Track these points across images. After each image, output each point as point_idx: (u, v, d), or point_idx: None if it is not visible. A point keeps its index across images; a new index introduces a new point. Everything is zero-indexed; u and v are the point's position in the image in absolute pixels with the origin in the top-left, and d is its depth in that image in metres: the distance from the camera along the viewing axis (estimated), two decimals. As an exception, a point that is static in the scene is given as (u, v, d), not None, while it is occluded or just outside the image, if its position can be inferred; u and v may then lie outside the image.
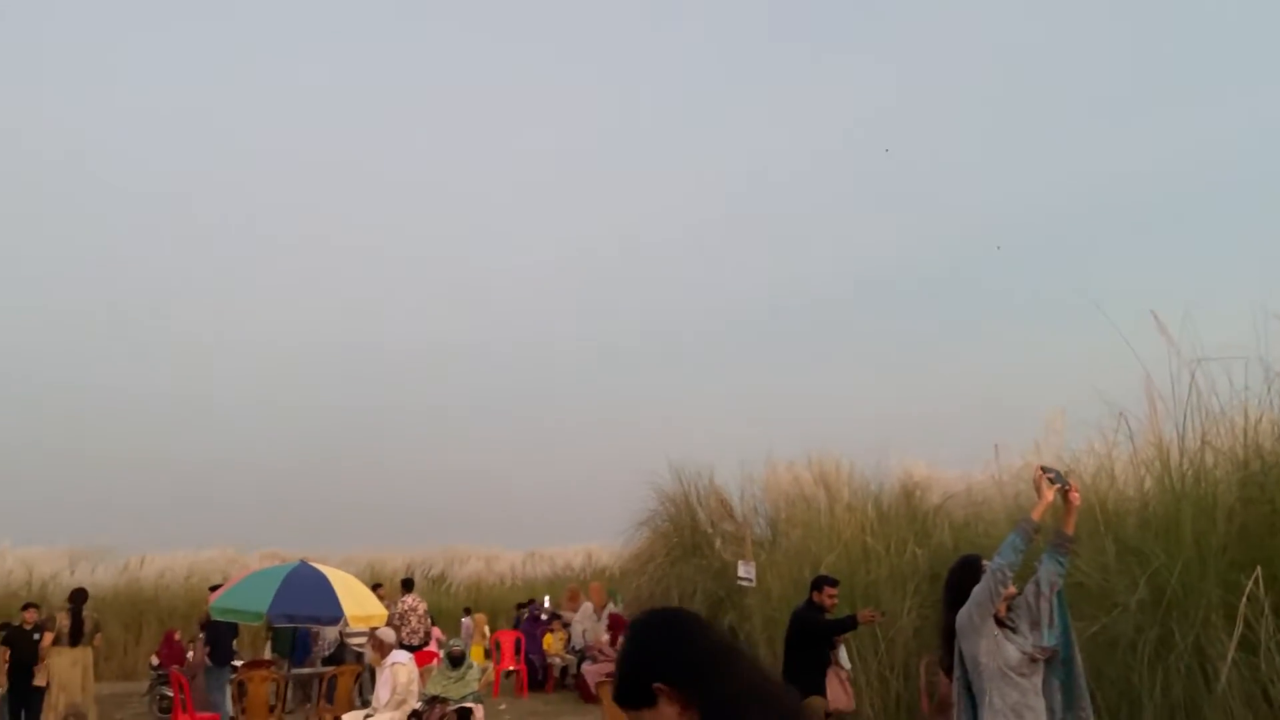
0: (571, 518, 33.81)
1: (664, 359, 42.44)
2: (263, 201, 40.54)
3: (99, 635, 10.59)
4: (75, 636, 9.95)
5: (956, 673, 4.08)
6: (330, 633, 13.03)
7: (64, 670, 9.73)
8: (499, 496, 35.56)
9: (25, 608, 12.47)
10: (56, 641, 9.91)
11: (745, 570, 9.83)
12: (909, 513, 10.56)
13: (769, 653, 9.34)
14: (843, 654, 7.48)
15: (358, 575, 12.59)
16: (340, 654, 13.55)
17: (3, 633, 12.54)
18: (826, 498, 12.23)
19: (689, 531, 14.35)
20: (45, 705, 9.70)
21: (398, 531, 31.75)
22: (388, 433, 38.39)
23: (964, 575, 4.21)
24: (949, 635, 4.13)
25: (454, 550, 29.15)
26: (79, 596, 10.34)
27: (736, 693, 1.82)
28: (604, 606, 14.38)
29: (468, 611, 18.51)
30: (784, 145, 40.82)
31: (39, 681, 9.67)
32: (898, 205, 37.68)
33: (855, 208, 39.15)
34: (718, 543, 13.92)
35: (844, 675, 7.32)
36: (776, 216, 40.09)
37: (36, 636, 11.88)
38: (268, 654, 13.11)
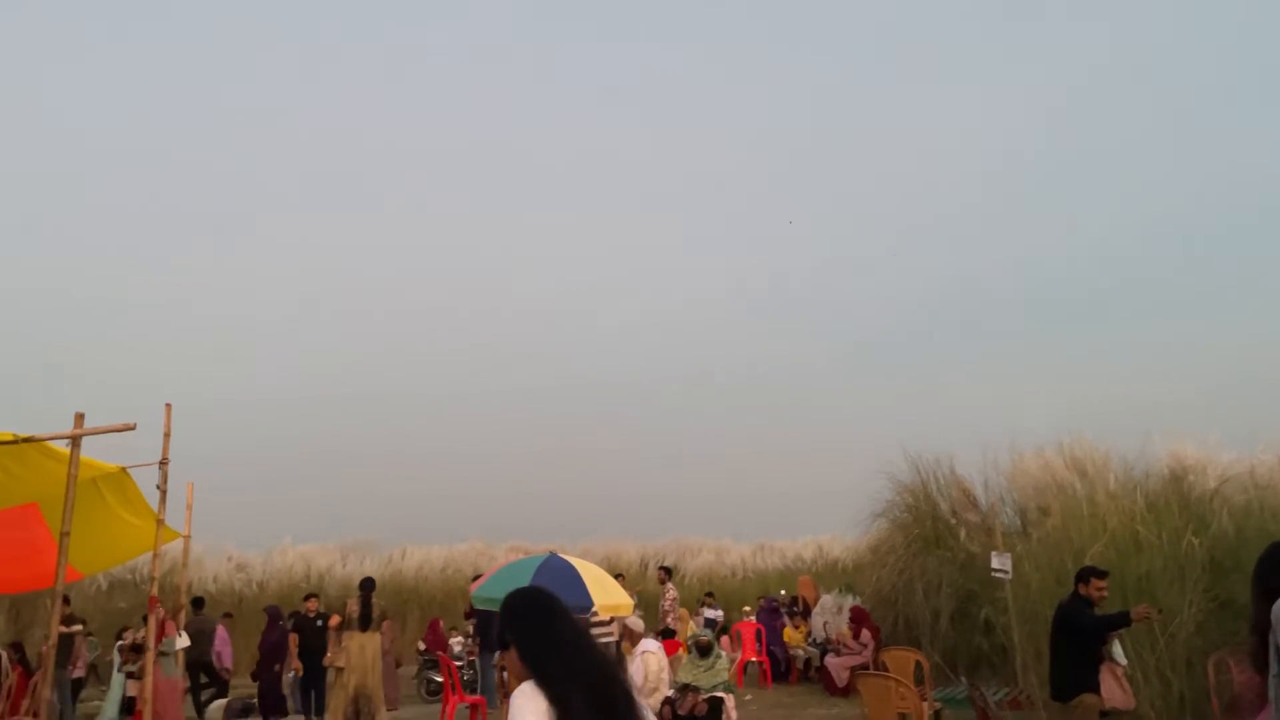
0: (801, 510, 33.44)
1: (896, 348, 41.25)
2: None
3: (387, 621, 11.53)
4: (365, 622, 10.89)
5: (1273, 669, 3.74)
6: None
7: (354, 653, 10.66)
8: (728, 489, 35.80)
9: (307, 598, 13.80)
10: (347, 626, 10.87)
11: (999, 562, 9.40)
12: (1180, 499, 9.76)
13: (1029, 648, 8.90)
14: (1117, 649, 7.01)
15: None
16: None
17: (291, 621, 13.94)
18: (1082, 485, 11.51)
19: (930, 522, 13.89)
20: (335, 685, 10.66)
21: (631, 523, 32.57)
22: (619, 425, 39.53)
23: (1274, 563, 3.85)
24: (1262, 629, 3.79)
25: (685, 542, 29.54)
26: (368, 585, 11.30)
27: (547, 662, 2.64)
28: (817, 600, 14.24)
29: (710, 595, 18.70)
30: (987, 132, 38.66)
31: (339, 663, 10.65)
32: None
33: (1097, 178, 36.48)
34: (962, 534, 13.40)
35: (1119, 672, 6.86)
36: (1020, 195, 38.01)
37: (320, 624, 13.14)
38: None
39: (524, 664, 2.76)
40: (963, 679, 7.75)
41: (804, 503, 33.74)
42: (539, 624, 2.82)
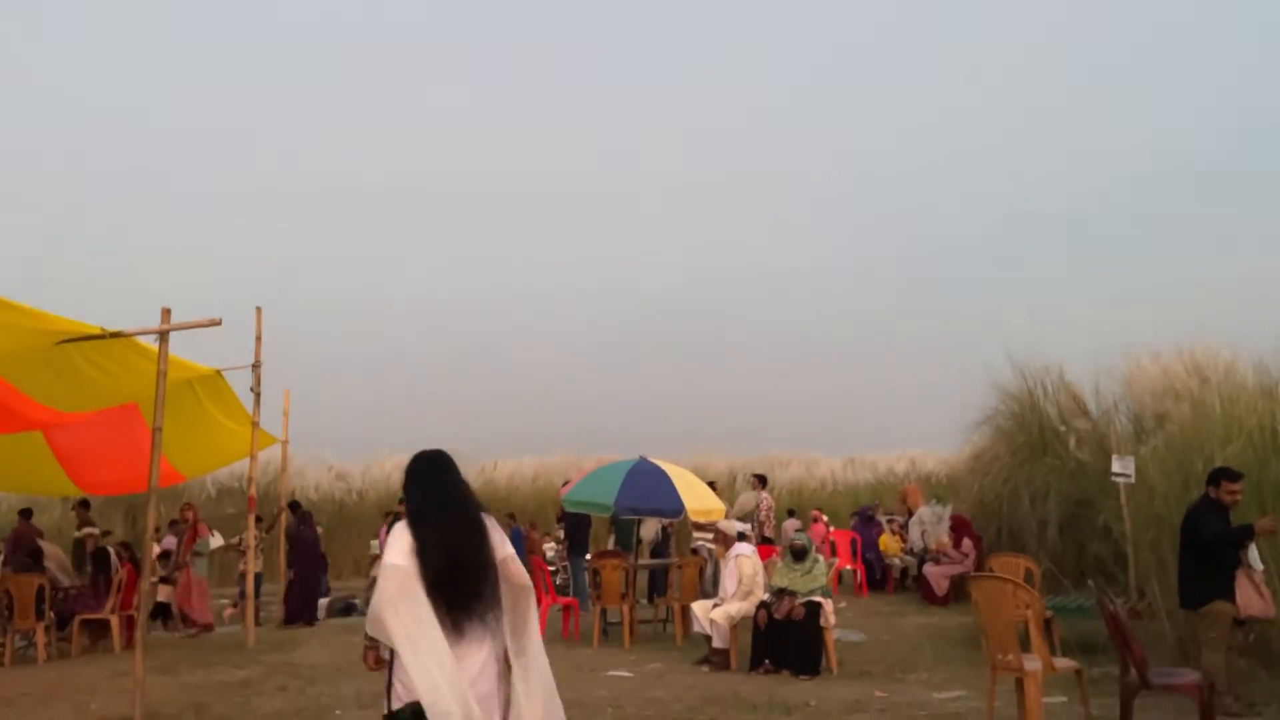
0: (891, 423, 32.78)
1: (990, 254, 39.65)
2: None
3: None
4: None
5: None
6: (651, 527, 13.51)
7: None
8: (818, 402, 35.29)
9: (402, 502, 14.04)
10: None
11: (1120, 465, 8.84)
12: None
13: (1152, 556, 8.38)
14: (1253, 554, 6.48)
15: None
16: (663, 548, 14.01)
17: (390, 517, 14.17)
18: (1202, 390, 10.78)
19: (1037, 430, 13.27)
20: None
21: (719, 436, 32.43)
22: (710, 338, 39.17)
23: None
24: None
25: (774, 455, 29.29)
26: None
27: (419, 507, 3.39)
28: (918, 506, 13.83)
29: (791, 514, 18.53)
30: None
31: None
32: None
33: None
34: (1071, 441, 12.77)
35: (1258, 578, 6.35)
36: (1124, 87, 35.67)
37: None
38: (610, 546, 13.77)
39: (405, 506, 3.47)
40: (1090, 583, 7.30)
41: (896, 416, 33.05)
42: (422, 478, 3.50)
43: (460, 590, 3.25)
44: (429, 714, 3.07)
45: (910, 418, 32.32)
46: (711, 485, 13.88)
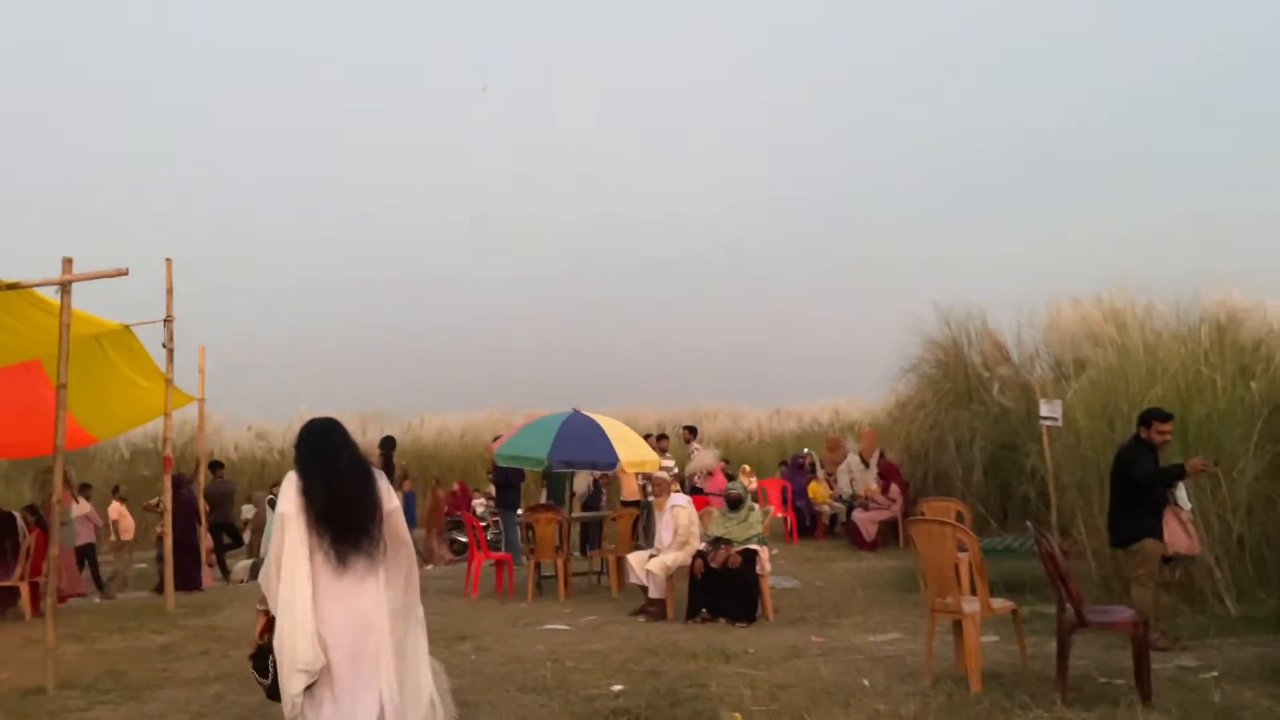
0: (814, 375, 33.20)
1: (916, 202, 40.09)
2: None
3: (408, 481, 11.29)
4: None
5: None
6: (583, 480, 13.42)
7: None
8: (742, 354, 35.50)
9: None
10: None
11: (1049, 409, 9.00)
12: (1234, 344, 9.27)
13: (1079, 497, 8.57)
14: (1181, 493, 6.64)
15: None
16: (594, 500, 13.96)
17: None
18: (1121, 337, 11.06)
19: (961, 378, 13.50)
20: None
21: (647, 390, 32.45)
22: (634, 292, 39.03)
23: None
24: None
25: (701, 408, 29.41)
26: (388, 443, 11.01)
27: (304, 463, 3.58)
28: (873, 452, 13.92)
29: (725, 462, 18.65)
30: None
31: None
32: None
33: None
34: (995, 388, 13.03)
35: (1185, 516, 6.51)
36: (1059, 37, 36.10)
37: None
38: (543, 500, 13.66)
39: (295, 464, 3.64)
40: (1027, 524, 7.43)
41: (818, 366, 33.43)
42: (311, 437, 3.69)
43: (344, 524, 3.44)
44: (278, 647, 3.33)
45: (834, 368, 32.75)
46: (663, 438, 13.90)
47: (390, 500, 3.64)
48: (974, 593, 6.04)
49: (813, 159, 42.11)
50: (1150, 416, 6.70)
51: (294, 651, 3.29)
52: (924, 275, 32.98)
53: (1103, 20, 35.96)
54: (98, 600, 11.89)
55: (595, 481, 13.98)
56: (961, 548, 5.98)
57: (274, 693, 3.44)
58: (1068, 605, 5.27)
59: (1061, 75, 37.41)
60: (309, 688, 3.34)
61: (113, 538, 13.54)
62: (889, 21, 39.73)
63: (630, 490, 12.92)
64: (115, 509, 13.53)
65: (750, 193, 42.28)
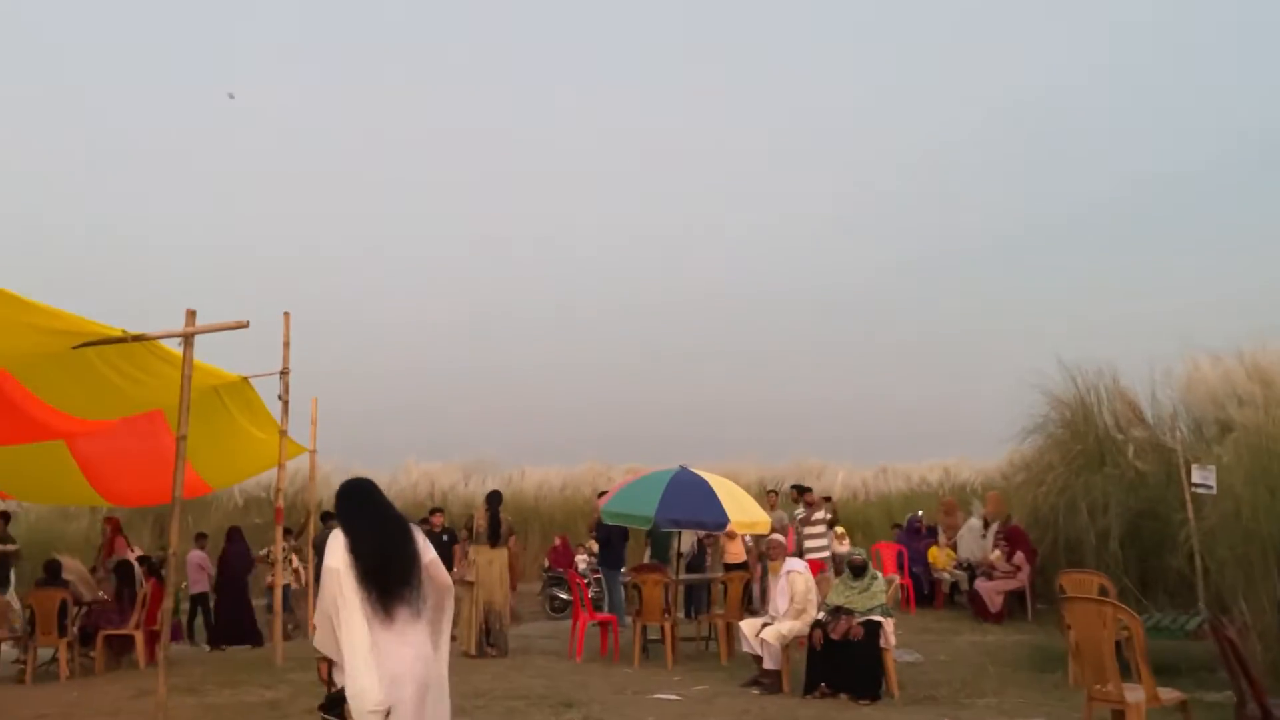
0: (922, 432, 32.11)
1: (1037, 253, 38.68)
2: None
3: (514, 537, 11.13)
4: (493, 536, 10.47)
5: None
6: (688, 540, 13.04)
7: (482, 568, 10.28)
8: (847, 411, 34.62)
9: (432, 513, 13.60)
10: (474, 540, 10.50)
11: (1201, 476, 8.33)
12: None
13: (1239, 571, 7.81)
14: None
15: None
16: (699, 562, 13.53)
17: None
18: (1263, 394, 10.26)
19: (1092, 439, 12.72)
20: (467, 601, 10.33)
21: (750, 446, 31.87)
22: (742, 347, 38.58)
23: None
24: None
25: (806, 465, 28.70)
26: (495, 498, 10.84)
27: (348, 520, 3.92)
28: (1003, 517, 13.18)
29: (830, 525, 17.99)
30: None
31: (468, 577, 10.30)
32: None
33: None
34: (1130, 450, 12.23)
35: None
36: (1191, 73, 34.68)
37: (445, 538, 12.90)
38: (646, 559, 13.32)
39: (339, 523, 3.95)
40: (1201, 607, 6.82)
41: (928, 424, 32.29)
42: (351, 498, 4.00)
43: (390, 579, 3.77)
44: (349, 693, 3.63)
45: (942, 426, 31.62)
46: (772, 494, 13.57)
47: (428, 551, 4.02)
48: (1134, 679, 5.46)
49: (926, 208, 41.29)
50: (1329, 487, 6.05)
51: (365, 696, 3.62)
52: (1040, 331, 31.70)
53: (1225, 62, 34.52)
54: (207, 650, 12.00)
55: (699, 541, 13.59)
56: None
57: None
58: (1249, 698, 4.69)
59: (1186, 115, 35.89)
60: None
61: None
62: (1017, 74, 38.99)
63: (735, 553, 12.49)
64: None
65: (857, 242, 41.64)
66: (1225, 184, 35.44)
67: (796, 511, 14.16)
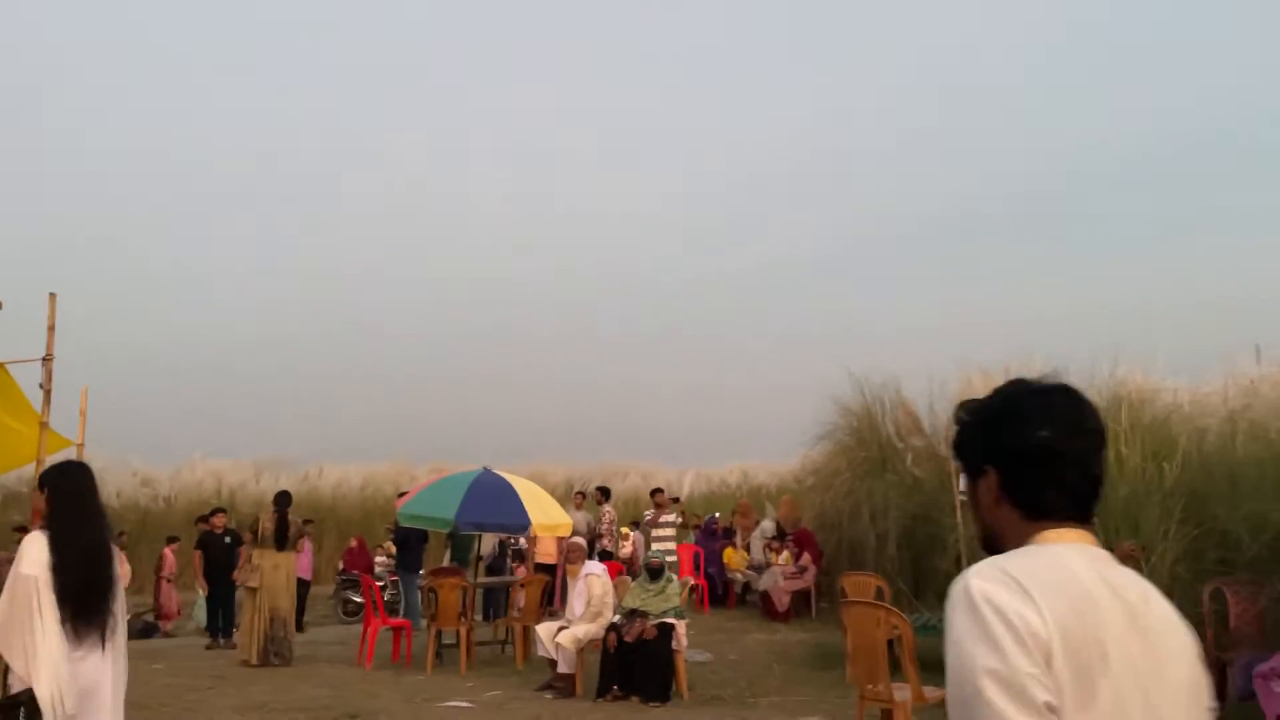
0: (725, 437, 33.19)
1: (828, 270, 40.76)
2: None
3: (304, 540, 10.60)
4: (281, 540, 9.92)
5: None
6: (489, 542, 12.93)
7: (268, 573, 9.74)
8: (653, 413, 35.32)
9: (213, 513, 12.78)
10: (260, 544, 9.93)
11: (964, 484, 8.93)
12: (1148, 426, 9.42)
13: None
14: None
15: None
16: (499, 564, 13.45)
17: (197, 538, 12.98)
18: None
19: (875, 447, 13.49)
20: (250, 608, 9.77)
21: (556, 447, 31.92)
22: (544, 348, 38.57)
23: None
24: None
25: (611, 465, 29.03)
26: (284, 499, 10.28)
27: (62, 522, 3.84)
28: (795, 521, 13.73)
29: (635, 525, 18.28)
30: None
31: (250, 583, 9.72)
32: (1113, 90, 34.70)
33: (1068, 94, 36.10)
34: (909, 458, 13.05)
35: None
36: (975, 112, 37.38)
37: (228, 540, 12.17)
38: (445, 562, 13.08)
39: (46, 515, 3.92)
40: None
41: (728, 429, 33.40)
42: (68, 493, 3.94)
43: (87, 605, 3.79)
44: (43, 699, 3.58)
45: (742, 428, 32.78)
46: (580, 495, 13.55)
47: (120, 567, 4.25)
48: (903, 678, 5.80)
49: (732, 222, 42.70)
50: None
51: (58, 707, 3.63)
52: (836, 341, 33.45)
53: (1034, 97, 37.58)
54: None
55: (501, 543, 13.45)
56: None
57: None
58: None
59: (970, 154, 38.84)
60: None
61: None
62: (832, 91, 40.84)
63: (547, 553, 12.45)
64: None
65: (667, 250, 42.54)
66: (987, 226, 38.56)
67: (645, 513, 14.12)
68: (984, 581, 1.38)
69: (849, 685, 8.03)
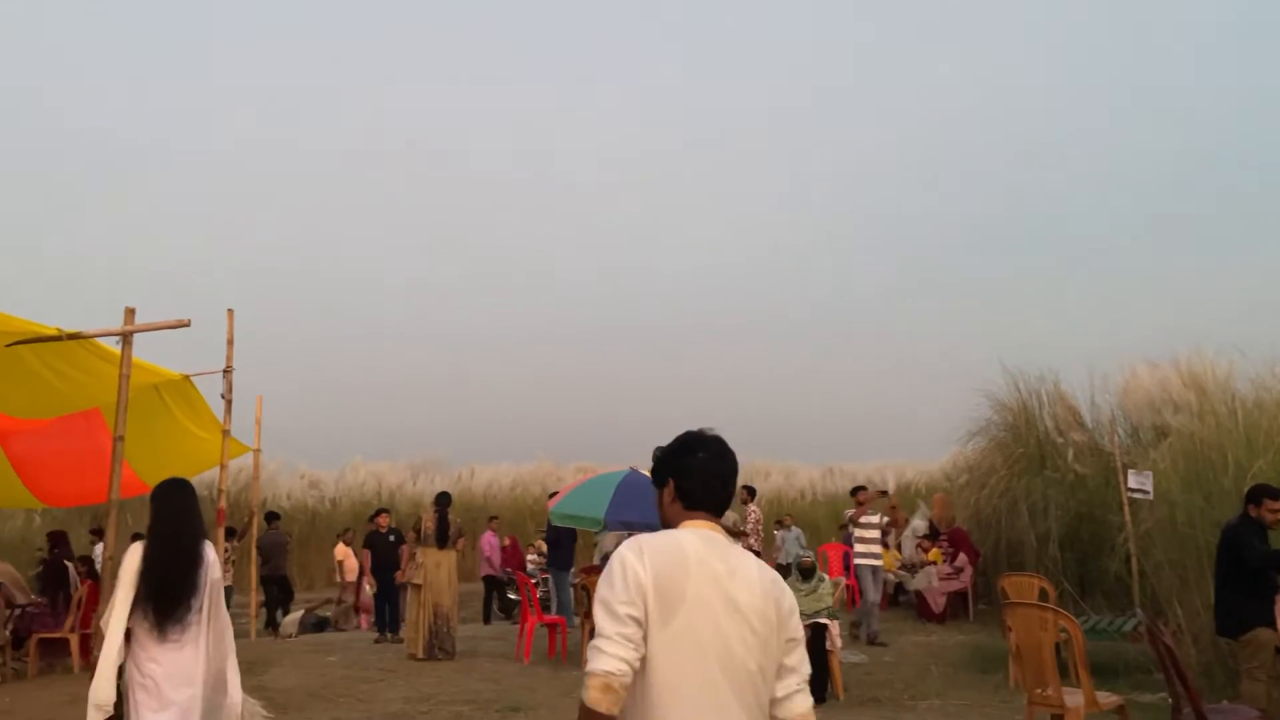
0: (871, 433, 32.45)
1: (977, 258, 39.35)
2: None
3: (462, 539, 11.02)
4: (441, 538, 10.35)
5: None
6: (611, 540, 13.02)
7: (430, 570, 10.17)
8: (795, 411, 34.95)
9: (378, 513, 13.42)
10: (424, 543, 10.38)
11: (1138, 481, 8.51)
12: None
13: (1175, 577, 8.01)
14: (1295, 579, 6.12)
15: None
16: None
17: (347, 532, 13.53)
18: (1200, 402, 10.53)
19: (1034, 443, 12.97)
20: (414, 604, 10.22)
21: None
22: (685, 347, 38.77)
23: None
24: None
25: (753, 465, 28.82)
26: (444, 499, 10.71)
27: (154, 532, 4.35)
28: (949, 520, 13.34)
29: (780, 524, 18.13)
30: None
31: (416, 581, 10.18)
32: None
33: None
34: (1070, 454, 12.48)
35: (1302, 604, 5.98)
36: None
37: (392, 539, 12.74)
38: (597, 560, 13.30)
39: (149, 528, 4.41)
40: (1138, 610, 6.98)
41: (874, 425, 32.74)
42: (164, 505, 4.43)
43: (167, 604, 4.22)
44: (91, 687, 4.13)
45: (889, 427, 32.07)
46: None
47: (215, 572, 4.47)
48: (1073, 680, 5.57)
49: (878, 207, 41.80)
50: (1261, 493, 6.23)
51: (97, 692, 4.12)
52: (986, 334, 32.29)
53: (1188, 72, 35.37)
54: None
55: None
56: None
57: None
58: (1184, 703, 4.80)
59: (1145, 116, 36.74)
60: None
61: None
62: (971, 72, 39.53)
63: None
64: (340, 550, 14.58)
65: (819, 242, 42.04)
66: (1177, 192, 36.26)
67: (846, 513, 13.48)
68: (625, 549, 2.19)
69: (1012, 689, 7.81)
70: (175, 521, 4.40)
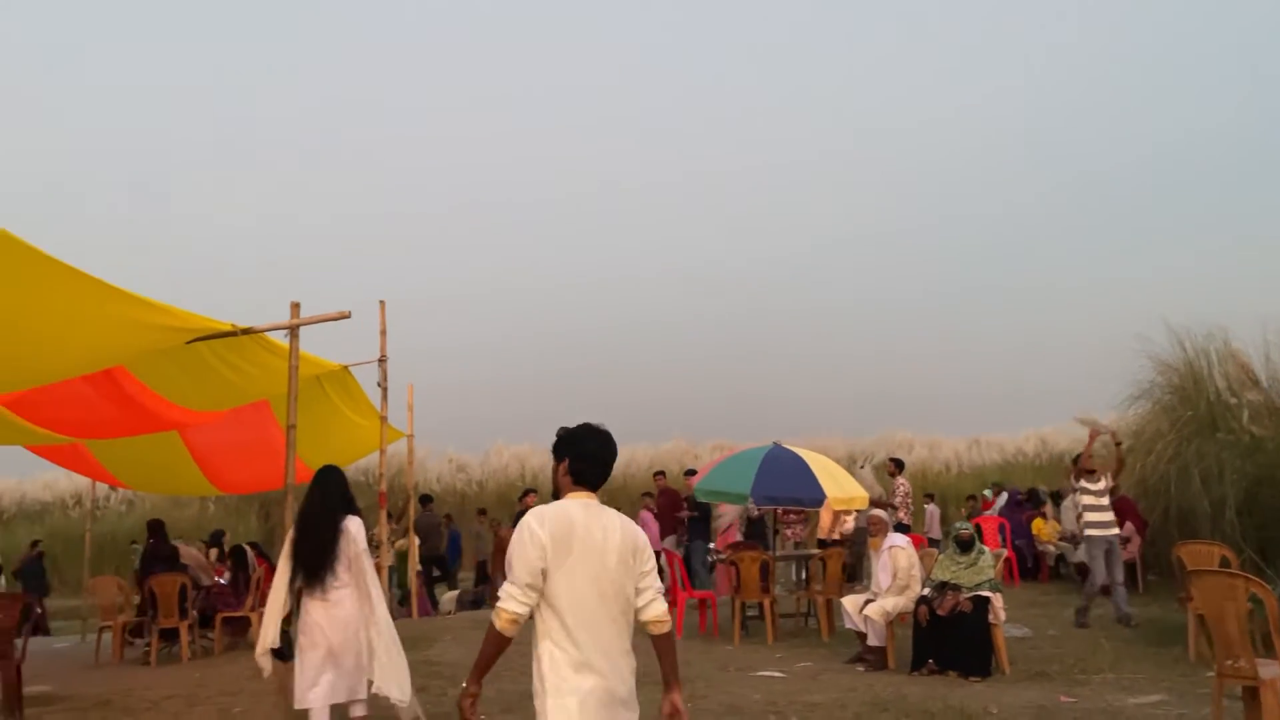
0: (1019, 402, 31.23)
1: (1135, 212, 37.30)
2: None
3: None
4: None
5: None
6: (730, 515, 12.86)
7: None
8: (938, 382, 33.98)
9: (526, 494, 13.77)
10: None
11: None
12: None
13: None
14: None
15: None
16: (755, 536, 13.23)
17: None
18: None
19: (1204, 405, 12.19)
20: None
21: (838, 419, 31.51)
22: (822, 322, 38.19)
23: None
24: None
25: (894, 437, 28.21)
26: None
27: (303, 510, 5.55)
28: (1113, 489, 12.67)
29: (930, 498, 17.68)
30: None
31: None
32: None
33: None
34: (1244, 415, 11.69)
35: None
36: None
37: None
38: (740, 536, 13.26)
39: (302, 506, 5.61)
40: None
41: (1022, 394, 31.49)
42: (311, 489, 5.52)
43: (309, 568, 5.27)
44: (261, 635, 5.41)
45: (1039, 395, 30.79)
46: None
47: (358, 545, 5.37)
48: (1262, 653, 5.22)
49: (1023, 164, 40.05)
50: None
51: (263, 639, 5.36)
52: (1136, 293, 30.59)
53: None
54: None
55: (750, 519, 13.20)
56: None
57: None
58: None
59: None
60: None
61: None
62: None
63: (825, 527, 12.31)
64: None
65: (960, 208, 40.69)
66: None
67: (1075, 483, 12.23)
68: (530, 516, 3.00)
69: (1193, 662, 7.41)
70: (316, 503, 5.40)
